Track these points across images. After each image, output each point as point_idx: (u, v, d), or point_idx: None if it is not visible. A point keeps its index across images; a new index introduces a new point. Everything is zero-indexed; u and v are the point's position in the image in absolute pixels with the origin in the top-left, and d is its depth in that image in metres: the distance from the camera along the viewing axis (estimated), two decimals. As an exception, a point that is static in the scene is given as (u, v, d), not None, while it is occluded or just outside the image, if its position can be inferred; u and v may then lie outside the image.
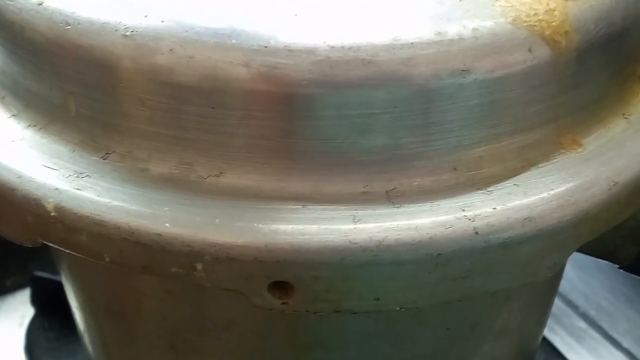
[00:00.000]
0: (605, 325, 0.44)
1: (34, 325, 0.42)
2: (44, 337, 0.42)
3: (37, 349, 0.41)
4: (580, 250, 0.23)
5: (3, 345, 0.42)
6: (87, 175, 0.19)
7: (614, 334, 0.44)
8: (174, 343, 0.25)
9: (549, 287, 0.27)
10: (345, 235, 0.18)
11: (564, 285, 0.46)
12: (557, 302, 0.45)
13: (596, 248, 0.26)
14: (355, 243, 0.17)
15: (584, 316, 0.45)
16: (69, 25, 0.19)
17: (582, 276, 0.47)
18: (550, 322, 0.44)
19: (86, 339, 0.30)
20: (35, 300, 0.43)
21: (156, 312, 0.24)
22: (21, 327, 0.43)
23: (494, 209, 0.18)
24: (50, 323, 0.42)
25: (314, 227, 0.18)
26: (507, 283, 0.19)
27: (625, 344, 0.43)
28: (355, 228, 0.18)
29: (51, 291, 0.39)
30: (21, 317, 0.44)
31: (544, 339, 0.41)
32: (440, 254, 0.18)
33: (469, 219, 0.18)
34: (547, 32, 0.18)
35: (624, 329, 0.44)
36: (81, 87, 0.19)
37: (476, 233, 0.18)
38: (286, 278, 0.18)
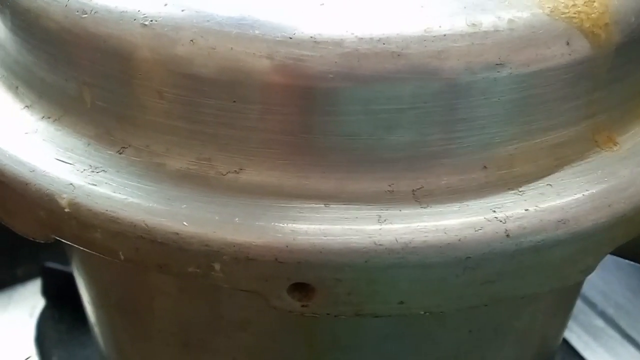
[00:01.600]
0: (623, 324, 0.43)
1: (44, 316, 0.42)
2: (55, 329, 0.42)
3: (48, 340, 0.41)
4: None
5: (14, 335, 0.42)
6: (103, 170, 0.19)
7: (632, 333, 0.43)
8: (188, 341, 0.24)
9: (574, 289, 0.27)
10: (370, 237, 0.17)
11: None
12: (575, 300, 0.45)
13: (623, 248, 0.25)
14: (380, 245, 0.17)
15: (602, 314, 0.44)
16: (86, 14, 0.18)
17: (600, 274, 0.46)
18: (567, 320, 0.43)
19: (97, 333, 0.29)
20: (46, 292, 0.43)
21: (170, 309, 0.23)
22: (32, 317, 0.43)
23: (526, 210, 0.17)
24: (61, 314, 0.42)
25: (337, 228, 0.17)
26: (538, 287, 0.18)
27: (644, 343, 0.42)
28: (380, 229, 0.17)
29: (62, 282, 0.39)
30: (32, 307, 0.44)
31: (562, 338, 0.41)
32: (469, 257, 0.17)
33: (500, 221, 0.17)
34: (587, 25, 0.17)
35: (643, 328, 0.43)
36: (97, 78, 0.19)
37: (507, 236, 0.17)
38: (307, 280, 0.17)
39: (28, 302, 0.45)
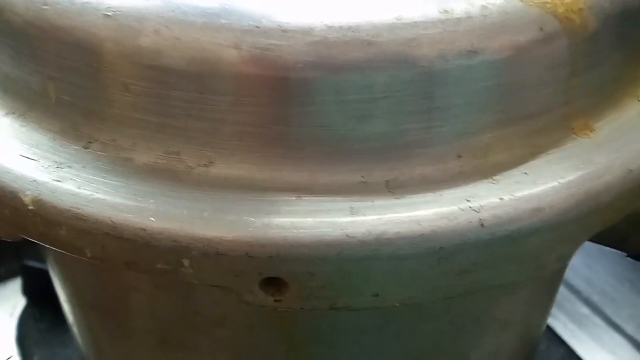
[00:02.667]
0: (608, 311, 0.44)
1: (25, 316, 0.42)
2: (36, 328, 0.41)
3: (29, 340, 0.41)
4: (590, 239, 0.22)
5: (-6, 335, 0.41)
6: (68, 166, 0.18)
7: (617, 320, 0.43)
8: (165, 339, 0.24)
9: (555, 277, 0.26)
10: (343, 229, 0.17)
11: (567, 271, 0.46)
12: (560, 288, 0.45)
13: (606, 237, 0.25)
14: (353, 237, 0.16)
15: (587, 302, 0.44)
16: (48, 5, 0.18)
17: (585, 261, 0.46)
18: (552, 308, 0.44)
19: (76, 332, 0.29)
20: (27, 291, 0.42)
21: (145, 307, 0.23)
22: (13, 318, 0.42)
23: (501, 199, 0.17)
24: (42, 314, 0.41)
25: (309, 221, 0.17)
26: (514, 277, 0.18)
27: (629, 330, 0.42)
28: (353, 221, 0.17)
29: (43, 281, 0.38)
30: (13, 307, 0.43)
31: (546, 326, 0.41)
32: (443, 247, 0.17)
33: (475, 211, 0.17)
34: (560, 10, 0.17)
35: (628, 315, 0.43)
36: (61, 72, 0.18)
37: (482, 225, 0.17)
38: (280, 274, 0.17)
39: (9, 302, 0.44)
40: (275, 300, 0.18)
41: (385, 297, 0.18)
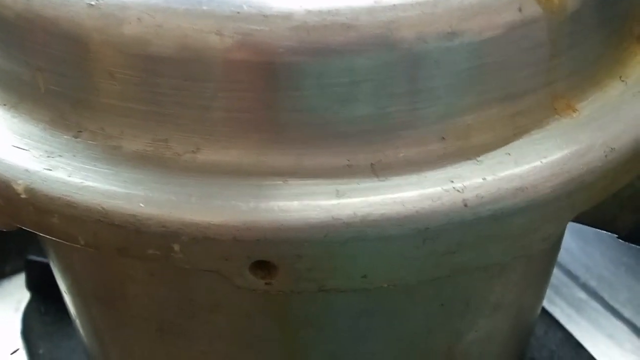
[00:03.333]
0: (606, 296, 0.44)
1: (29, 310, 0.42)
2: (40, 322, 0.41)
3: (34, 333, 0.41)
4: (577, 220, 0.22)
5: (0, 330, 0.42)
6: (59, 155, 0.18)
7: (615, 304, 0.43)
8: (162, 326, 0.24)
9: (547, 258, 0.27)
10: (328, 211, 0.17)
11: (564, 256, 0.46)
12: (557, 273, 0.45)
13: (594, 218, 0.25)
14: (338, 219, 0.17)
15: (585, 287, 0.44)
16: (33, -4, 0.18)
17: (582, 246, 0.46)
18: (549, 293, 0.43)
19: (77, 323, 0.29)
20: (30, 285, 0.42)
21: (142, 295, 0.23)
22: (17, 312, 0.43)
23: (484, 179, 0.17)
24: (46, 307, 0.42)
25: (295, 204, 0.17)
26: (499, 257, 0.18)
27: (627, 314, 0.42)
28: (338, 203, 0.17)
29: (46, 275, 0.38)
30: (17, 301, 0.44)
31: (544, 310, 0.41)
32: (428, 228, 0.17)
33: (458, 191, 0.17)
34: (538, -10, 0.17)
35: (625, 299, 0.43)
36: (49, 62, 0.19)
37: (465, 205, 0.17)
38: (268, 257, 0.17)
39: (14, 297, 0.45)
40: (266, 283, 0.18)
41: (373, 278, 0.18)
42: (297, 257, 0.17)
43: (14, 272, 0.46)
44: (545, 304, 0.42)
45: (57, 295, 0.30)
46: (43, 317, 0.42)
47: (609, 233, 0.27)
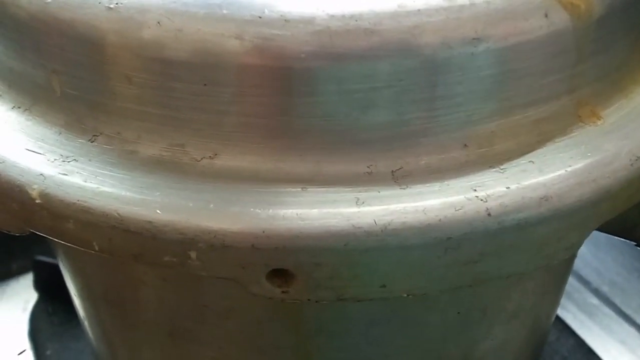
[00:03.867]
0: (618, 301, 0.43)
1: (37, 310, 0.42)
2: (48, 322, 0.41)
3: (41, 333, 0.41)
4: (596, 228, 0.22)
5: (7, 331, 0.42)
6: (74, 159, 0.18)
7: (627, 310, 0.43)
8: (173, 331, 0.24)
9: (564, 266, 0.26)
10: (349, 219, 0.16)
11: (576, 262, 0.45)
12: (569, 278, 0.44)
13: (613, 226, 0.25)
14: (359, 227, 0.16)
15: (597, 292, 0.44)
16: (50, -1, 0.18)
17: (594, 252, 0.46)
18: (561, 299, 0.43)
19: (86, 325, 0.29)
20: (38, 285, 0.42)
21: (154, 300, 0.23)
22: (25, 312, 0.42)
23: (508, 188, 0.17)
24: (53, 307, 0.42)
25: (314, 211, 0.17)
26: (522, 266, 0.18)
27: (639, 319, 0.42)
28: (359, 211, 0.17)
29: (54, 275, 0.38)
30: (25, 301, 0.44)
31: (556, 316, 0.40)
32: (450, 237, 0.17)
33: (481, 200, 0.17)
34: (565, -4, 0.17)
35: (638, 305, 0.43)
36: (65, 65, 0.18)
37: (489, 214, 0.17)
38: (286, 266, 0.17)
39: (21, 297, 0.44)
40: (282, 292, 0.18)
41: (393, 287, 0.18)
42: (316, 265, 0.17)
43: (21, 271, 0.46)
44: (557, 309, 0.42)
45: (66, 296, 0.30)
46: (51, 318, 0.41)
47: (625, 240, 0.27)
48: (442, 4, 0.16)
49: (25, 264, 0.45)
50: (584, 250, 0.46)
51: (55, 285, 0.39)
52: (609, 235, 0.26)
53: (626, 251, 0.45)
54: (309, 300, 0.18)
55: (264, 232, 0.16)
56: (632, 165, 0.18)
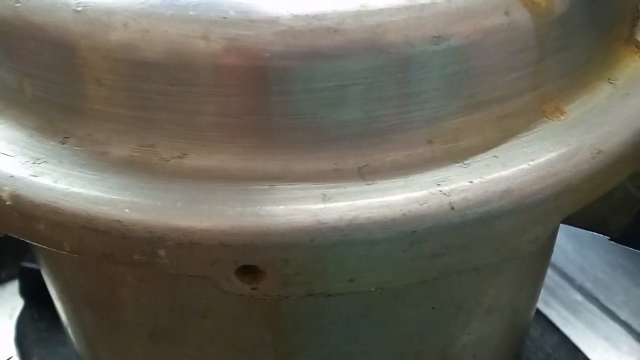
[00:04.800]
0: (602, 298, 0.44)
1: (23, 317, 0.42)
2: (34, 328, 0.41)
3: (27, 340, 0.41)
4: (569, 222, 0.22)
5: (-6, 337, 0.42)
6: (45, 161, 0.18)
7: (611, 306, 0.43)
8: (154, 331, 0.24)
9: (539, 260, 0.27)
10: (315, 215, 0.17)
11: (560, 258, 0.46)
12: (553, 275, 0.45)
13: (586, 220, 0.25)
14: (324, 223, 0.17)
15: (580, 289, 0.44)
16: (19, 2, 0.18)
17: (577, 248, 0.46)
18: (545, 295, 0.43)
19: (69, 329, 0.29)
20: (24, 291, 0.42)
21: (132, 301, 0.23)
22: (11, 319, 0.42)
23: (471, 182, 0.17)
24: (39, 314, 0.42)
25: (281, 208, 0.17)
26: (487, 259, 0.18)
27: (623, 316, 0.42)
28: (324, 207, 0.17)
29: (40, 282, 0.38)
30: (11, 309, 0.43)
31: (539, 313, 0.41)
32: (415, 231, 0.17)
33: (445, 194, 0.17)
34: (524, -7, 0.17)
35: (621, 301, 0.43)
36: (36, 68, 0.19)
37: (452, 208, 0.17)
38: (255, 262, 0.17)
39: (7, 304, 0.44)
40: (252, 288, 0.18)
41: (360, 281, 0.18)
42: (284, 261, 0.17)
43: (8, 278, 0.46)
44: (541, 306, 0.42)
45: (51, 302, 0.30)
46: (37, 324, 0.41)
47: (598, 234, 0.27)
48: (404, 3, 0.17)
49: (15, 272, 0.45)
50: (567, 247, 0.47)
51: (41, 292, 0.39)
52: (592, 232, 0.26)
53: (610, 248, 0.46)
54: (278, 296, 0.18)
55: (232, 229, 0.17)
56: (593, 158, 0.18)
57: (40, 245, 0.19)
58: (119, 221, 0.17)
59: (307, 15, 0.16)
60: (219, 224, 0.17)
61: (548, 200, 0.18)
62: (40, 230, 0.18)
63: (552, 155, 0.18)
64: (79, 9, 0.17)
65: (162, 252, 0.17)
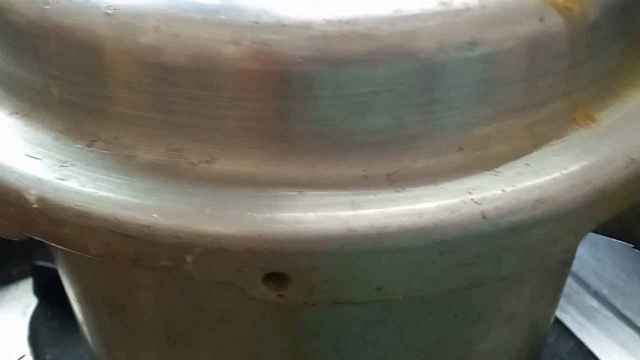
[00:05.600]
0: (618, 304, 0.43)
1: (37, 315, 0.42)
2: (47, 327, 0.41)
3: (41, 338, 0.41)
4: (593, 230, 0.22)
5: (6, 336, 0.42)
6: (72, 165, 0.18)
7: (627, 313, 0.43)
8: (171, 335, 0.24)
9: (561, 268, 0.26)
10: (344, 223, 0.17)
11: (575, 264, 0.45)
12: (568, 281, 0.44)
13: (610, 228, 0.25)
14: (354, 230, 0.16)
15: (596, 295, 0.44)
16: (48, 5, 0.18)
17: (593, 254, 0.46)
18: (561, 301, 0.43)
19: (85, 329, 0.29)
20: (37, 290, 0.42)
21: (151, 303, 0.23)
22: (25, 317, 0.42)
23: (503, 190, 0.17)
24: (53, 312, 0.42)
25: (310, 215, 0.17)
26: (518, 269, 0.18)
27: (639, 322, 0.42)
28: (354, 214, 0.17)
29: (53, 280, 0.38)
30: (25, 306, 0.43)
31: (555, 319, 0.40)
32: (445, 240, 0.17)
33: (476, 202, 0.17)
34: (560, 0, 0.17)
35: (638, 307, 0.43)
36: (63, 71, 0.18)
37: (484, 217, 0.17)
38: (282, 269, 0.17)
39: (21, 302, 0.44)
40: (279, 295, 0.18)
41: (388, 290, 0.18)
42: (312, 269, 0.17)
43: (21, 276, 0.46)
44: (557, 312, 0.42)
45: (65, 301, 0.30)
46: (50, 323, 0.41)
47: (623, 242, 0.27)
48: (437, 9, 0.17)
49: (26, 269, 0.45)
50: (583, 253, 0.46)
51: (55, 290, 0.39)
52: (608, 238, 0.26)
53: (626, 253, 0.45)
54: (305, 303, 0.18)
55: (259, 235, 0.17)
56: (627, 167, 0.18)
57: (66, 249, 0.18)
58: (147, 226, 0.17)
59: (339, 21, 0.16)
60: (247, 231, 0.17)
61: (581, 210, 0.18)
62: (67, 234, 0.18)
63: (585, 164, 0.18)
64: (109, 12, 0.17)
65: (189, 258, 0.17)
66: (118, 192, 0.17)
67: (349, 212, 0.17)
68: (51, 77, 0.19)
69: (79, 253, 0.18)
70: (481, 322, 0.24)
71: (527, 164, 0.18)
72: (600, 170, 0.18)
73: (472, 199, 0.17)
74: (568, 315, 0.42)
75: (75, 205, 0.17)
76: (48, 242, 0.19)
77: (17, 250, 0.44)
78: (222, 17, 0.16)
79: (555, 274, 0.26)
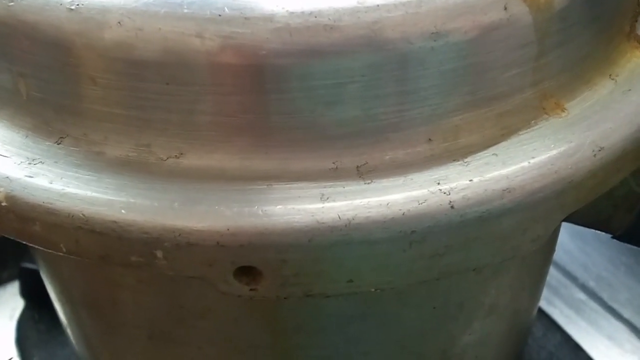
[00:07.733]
0: (605, 296, 0.43)
1: (24, 318, 0.42)
2: (35, 329, 0.41)
3: (28, 341, 0.41)
4: (571, 220, 0.22)
5: (-6, 338, 0.42)
6: (40, 162, 0.18)
7: (614, 305, 0.43)
8: (152, 333, 0.24)
9: (541, 259, 0.26)
10: (313, 215, 0.17)
11: (562, 257, 0.45)
12: (555, 274, 0.44)
13: (588, 218, 0.25)
14: (322, 223, 0.16)
15: (583, 287, 0.44)
16: (13, 2, 0.18)
17: (580, 246, 0.46)
18: (548, 294, 0.43)
19: (68, 330, 0.29)
20: (24, 292, 0.42)
21: (131, 302, 0.23)
22: (12, 320, 0.42)
23: (471, 180, 0.17)
24: (40, 315, 0.41)
25: (279, 208, 0.17)
26: (488, 259, 0.18)
27: (626, 314, 0.42)
28: (323, 207, 0.17)
29: (40, 283, 0.38)
30: (12, 309, 0.43)
31: (542, 312, 0.40)
32: (414, 231, 0.17)
33: (444, 193, 0.17)
34: (524, -12, 0.17)
35: (625, 299, 0.43)
36: (31, 68, 0.18)
37: (452, 207, 0.17)
38: (252, 263, 0.17)
39: (8, 305, 0.44)
40: (251, 289, 0.18)
41: (360, 282, 0.18)
42: (282, 262, 0.17)
43: (10, 279, 0.46)
44: (544, 305, 0.42)
45: (52, 303, 0.30)
46: (37, 325, 0.41)
47: (601, 232, 0.27)
48: (401, 0, 0.17)
49: (16, 273, 0.45)
50: (570, 245, 0.46)
51: (42, 293, 0.39)
52: (595, 230, 0.26)
53: (612, 246, 0.45)
54: (277, 297, 0.18)
55: (228, 229, 0.17)
56: (595, 156, 0.18)
57: (36, 247, 0.18)
58: (115, 222, 0.17)
59: (303, 12, 0.16)
60: (216, 225, 0.17)
61: (549, 199, 0.18)
62: (36, 231, 0.18)
63: (553, 152, 0.18)
64: (72, 7, 0.17)
65: (159, 253, 0.17)
66: (86, 188, 0.17)
67: (317, 205, 0.17)
68: (19, 75, 0.19)
69: (50, 251, 0.18)
70: (462, 314, 0.24)
71: (495, 154, 0.18)
72: (567, 158, 0.18)
73: (440, 190, 0.17)
74: (555, 308, 0.43)
75: (43, 202, 0.17)
76: (18, 240, 0.19)
77: (5, 253, 0.44)
78: (185, 10, 0.16)
79: (534, 264, 0.26)
